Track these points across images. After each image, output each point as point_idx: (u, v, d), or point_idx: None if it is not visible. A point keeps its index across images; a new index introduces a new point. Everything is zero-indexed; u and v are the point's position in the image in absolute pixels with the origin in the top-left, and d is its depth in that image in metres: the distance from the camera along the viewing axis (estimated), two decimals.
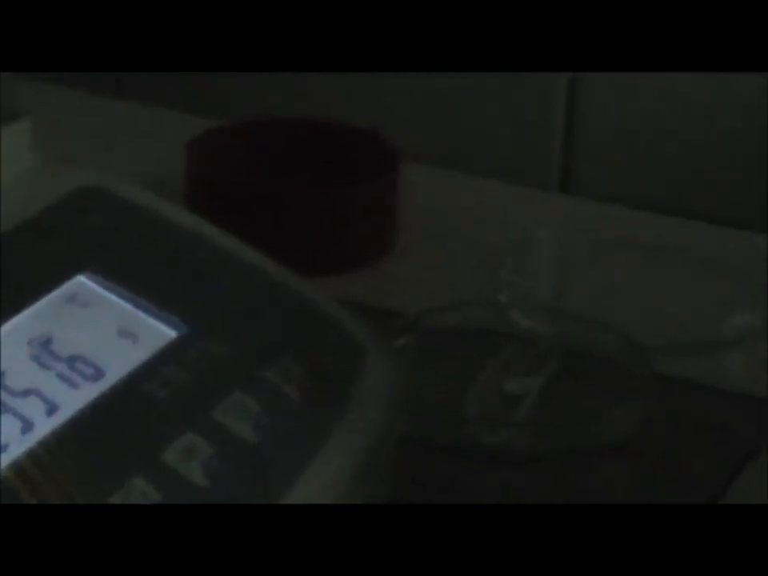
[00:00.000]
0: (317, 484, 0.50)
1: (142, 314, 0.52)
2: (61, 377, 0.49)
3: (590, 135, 0.83)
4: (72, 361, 0.50)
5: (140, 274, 0.54)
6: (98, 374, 0.49)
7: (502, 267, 0.69)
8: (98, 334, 0.51)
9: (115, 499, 0.48)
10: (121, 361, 0.50)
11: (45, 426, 0.47)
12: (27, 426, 0.47)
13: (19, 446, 0.47)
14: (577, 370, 0.63)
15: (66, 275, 0.52)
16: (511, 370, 0.63)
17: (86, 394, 0.49)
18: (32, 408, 0.48)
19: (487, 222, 0.75)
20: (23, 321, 0.51)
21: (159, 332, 0.51)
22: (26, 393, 0.48)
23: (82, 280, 0.52)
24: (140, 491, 0.48)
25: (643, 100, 0.83)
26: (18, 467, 0.47)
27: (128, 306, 0.52)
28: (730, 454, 0.61)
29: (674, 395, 0.63)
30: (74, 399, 0.49)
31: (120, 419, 0.50)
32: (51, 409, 0.48)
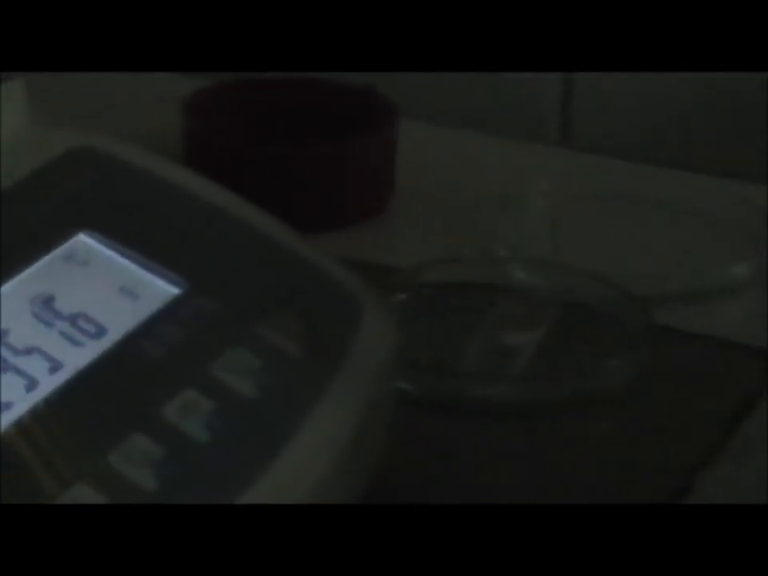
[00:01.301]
0: (316, 437, 0.51)
1: (142, 272, 0.53)
2: (63, 334, 0.50)
3: (589, 91, 0.82)
4: (74, 318, 0.50)
5: (139, 233, 0.55)
6: (101, 332, 0.50)
7: (498, 222, 0.69)
8: (100, 292, 0.52)
9: (116, 455, 0.48)
10: (122, 318, 0.51)
11: (49, 384, 0.48)
12: (31, 384, 0.48)
13: (24, 404, 0.48)
14: (574, 323, 0.64)
15: (66, 234, 0.53)
16: (508, 324, 0.63)
17: (88, 352, 0.50)
18: (36, 366, 0.49)
19: (484, 177, 0.76)
20: (24, 279, 0.51)
21: (160, 289, 0.52)
22: (29, 351, 0.49)
23: (82, 238, 0.52)
24: (141, 447, 0.48)
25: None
26: (21, 425, 0.48)
27: (129, 264, 0.53)
28: (727, 403, 0.61)
29: (672, 346, 0.63)
30: (77, 357, 0.49)
31: (122, 376, 0.50)
32: (54, 366, 0.49)
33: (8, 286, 0.52)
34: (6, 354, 0.49)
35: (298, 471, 0.52)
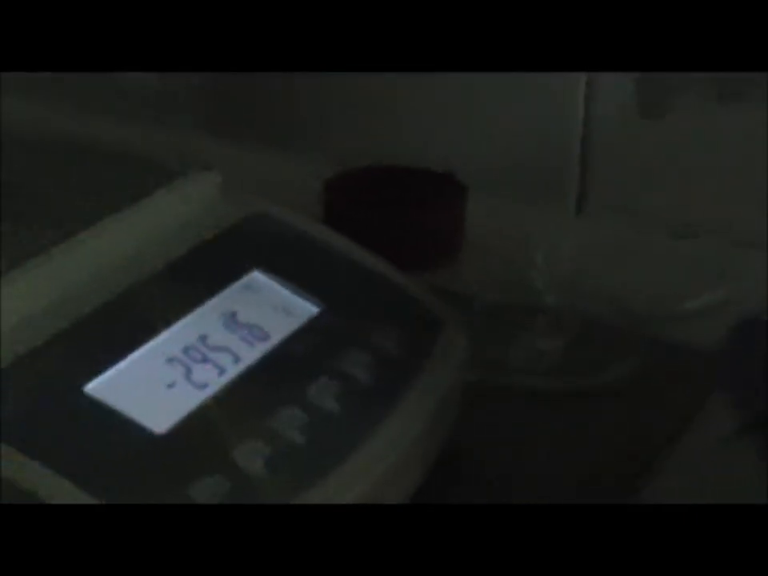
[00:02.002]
0: (409, 414, 0.53)
1: (294, 297, 0.56)
2: (242, 338, 0.53)
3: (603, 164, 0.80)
4: (249, 328, 0.53)
5: (294, 271, 0.57)
6: (266, 337, 0.54)
7: (533, 266, 0.71)
8: (266, 310, 0.55)
9: (275, 420, 0.51)
10: (280, 328, 0.54)
11: (232, 371, 0.52)
12: (221, 371, 0.51)
13: (215, 385, 0.51)
14: (588, 335, 0.66)
15: (246, 271, 0.56)
16: (542, 333, 0.67)
17: (258, 350, 0.53)
18: (224, 358, 0.52)
19: (521, 233, 0.76)
20: (218, 301, 0.54)
21: (305, 309, 0.56)
22: (220, 349, 0.52)
23: (256, 275, 0.56)
24: (292, 415, 0.51)
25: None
26: (215, 398, 0.51)
27: (285, 292, 0.56)
28: (692, 398, 0.62)
29: (658, 353, 0.65)
30: (251, 353, 0.53)
31: (279, 366, 0.53)
32: (236, 359, 0.52)
33: (207, 305, 0.54)
34: (204, 350, 0.52)
35: (401, 429, 0.54)
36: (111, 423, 0.47)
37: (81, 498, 0.44)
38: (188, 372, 0.50)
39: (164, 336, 0.51)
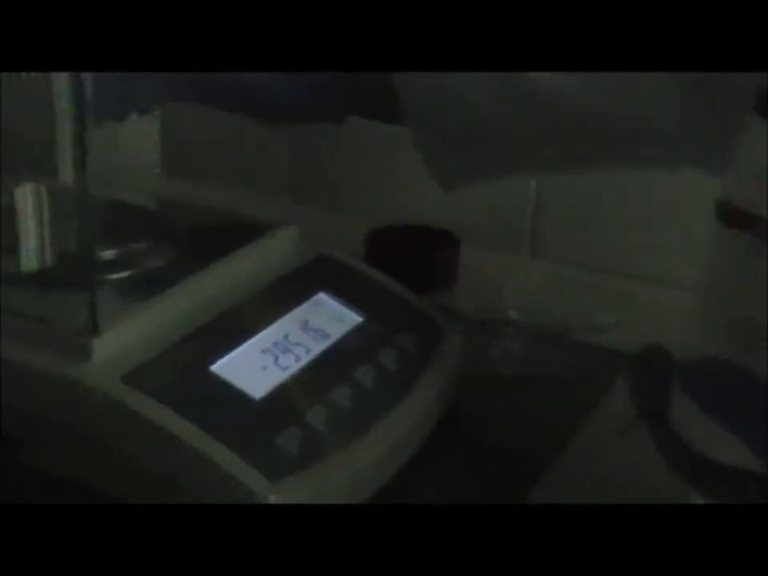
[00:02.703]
0: (422, 392, 0.53)
1: (345, 310, 0.56)
2: (311, 337, 0.54)
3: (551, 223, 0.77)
4: (316, 330, 0.54)
5: (346, 292, 0.57)
6: (326, 336, 0.55)
7: (503, 294, 0.67)
8: (327, 319, 0.56)
9: (334, 392, 0.50)
10: (336, 331, 0.55)
11: (305, 359, 0.53)
12: (296, 359, 0.53)
13: (293, 368, 0.52)
14: (539, 340, 0.64)
15: (314, 293, 0.57)
16: (509, 339, 0.64)
17: (321, 344, 0.54)
18: (299, 350, 0.53)
19: (493, 273, 0.71)
20: (296, 314, 0.55)
21: (352, 318, 0.56)
22: (297, 344, 0.53)
23: (321, 295, 0.57)
24: (345, 389, 0.51)
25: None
26: (293, 377, 0.51)
27: (340, 306, 0.56)
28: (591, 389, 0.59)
29: (583, 353, 0.63)
30: (317, 346, 0.54)
31: (335, 357, 0.53)
32: (307, 351, 0.53)
33: (289, 315, 0.55)
34: (287, 344, 0.53)
35: (416, 402, 0.54)
36: (228, 391, 0.49)
37: (207, 439, 0.45)
38: (276, 359, 0.51)
39: (260, 335, 0.53)
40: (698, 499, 0.40)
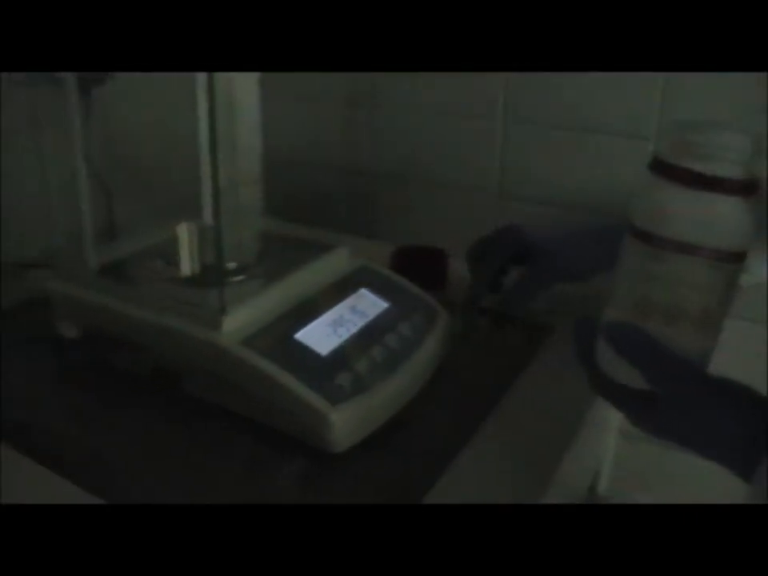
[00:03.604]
0: (425, 353, 0.57)
1: (377, 299, 0.59)
2: (358, 316, 0.58)
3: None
4: (359, 313, 0.59)
5: (378, 288, 0.59)
6: (364, 317, 0.59)
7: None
8: (367, 305, 0.59)
9: (368, 354, 0.53)
10: (371, 312, 0.59)
11: (353, 330, 0.57)
12: (348, 330, 0.57)
13: (346, 335, 0.56)
14: (499, 320, 0.68)
15: (358, 289, 0.60)
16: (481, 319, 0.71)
17: (363, 321, 0.58)
18: (349, 325, 0.56)
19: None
20: (347, 301, 0.59)
21: (380, 305, 0.60)
22: (348, 321, 0.57)
23: (362, 291, 0.60)
24: (376, 351, 0.53)
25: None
26: (347, 341, 0.54)
27: (374, 297, 0.59)
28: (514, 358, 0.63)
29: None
30: (358, 322, 0.58)
31: (372, 329, 0.56)
32: (354, 325, 0.57)
33: (342, 304, 0.59)
34: (342, 321, 0.57)
35: (421, 360, 0.56)
36: (305, 350, 0.52)
37: (292, 379, 0.49)
38: (335, 329, 0.56)
39: (325, 315, 0.57)
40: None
